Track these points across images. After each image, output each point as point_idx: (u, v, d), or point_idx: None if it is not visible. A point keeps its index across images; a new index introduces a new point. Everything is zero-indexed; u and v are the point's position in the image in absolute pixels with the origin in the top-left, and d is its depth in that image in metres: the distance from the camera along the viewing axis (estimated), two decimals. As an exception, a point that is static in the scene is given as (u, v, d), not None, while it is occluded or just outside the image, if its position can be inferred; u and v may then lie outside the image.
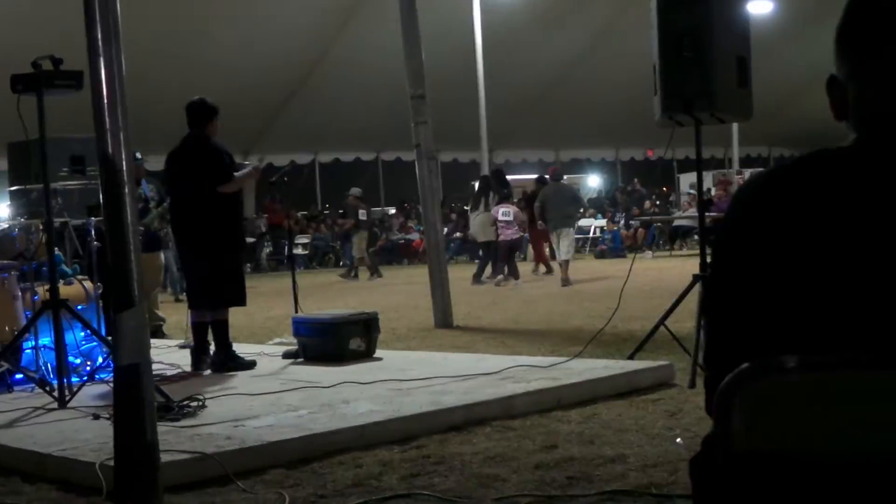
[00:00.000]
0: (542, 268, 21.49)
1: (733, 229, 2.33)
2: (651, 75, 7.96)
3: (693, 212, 24.19)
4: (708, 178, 31.84)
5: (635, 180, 37.29)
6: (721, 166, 38.34)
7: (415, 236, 30.82)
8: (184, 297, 14.95)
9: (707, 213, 8.89)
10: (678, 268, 17.32)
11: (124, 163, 3.99)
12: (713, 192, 27.76)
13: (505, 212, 19.62)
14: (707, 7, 7.72)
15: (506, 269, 19.50)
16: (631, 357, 8.06)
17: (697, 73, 7.67)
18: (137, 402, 3.90)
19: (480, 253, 21.60)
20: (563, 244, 18.64)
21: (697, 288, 7.70)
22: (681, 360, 7.58)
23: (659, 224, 29.39)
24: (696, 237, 23.03)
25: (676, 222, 28.25)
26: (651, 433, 5.74)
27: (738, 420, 2.09)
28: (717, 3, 7.77)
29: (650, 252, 26.72)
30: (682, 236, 28.13)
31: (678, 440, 5.51)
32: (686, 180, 35.72)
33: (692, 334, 7.58)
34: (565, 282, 17.90)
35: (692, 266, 8.41)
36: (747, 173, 33.71)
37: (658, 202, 35.90)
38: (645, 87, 8.25)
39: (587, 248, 30.40)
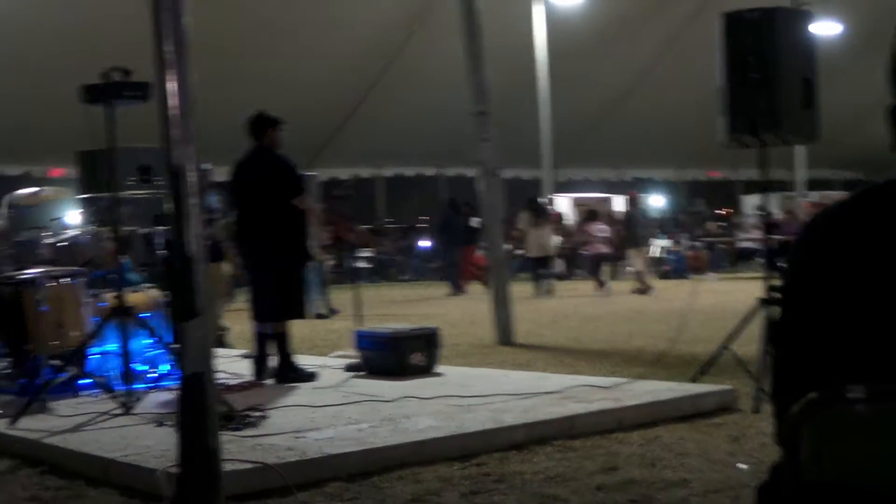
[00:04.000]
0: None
1: (805, 259, 2.31)
2: (715, 94, 7.91)
3: (758, 233, 23.97)
4: (773, 200, 31.56)
5: (699, 201, 37.01)
6: (786, 189, 37.98)
7: (477, 253, 30.77)
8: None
9: (772, 236, 8.79)
10: (742, 290, 17.11)
11: (191, 173, 4.04)
12: (779, 214, 27.52)
13: (601, 228, 22.69)
14: (773, 28, 7.68)
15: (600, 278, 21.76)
16: (694, 380, 7.99)
17: (763, 95, 7.62)
18: (201, 410, 3.94)
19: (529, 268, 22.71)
20: (642, 258, 21.51)
21: (761, 311, 7.63)
22: (745, 384, 7.50)
23: (723, 246, 29.13)
24: (760, 260, 22.82)
25: (741, 244, 27.97)
26: (713, 458, 5.69)
27: (806, 449, 2.07)
28: (783, 24, 7.73)
29: (714, 274, 26.48)
30: (746, 258, 27.86)
31: (741, 465, 5.46)
32: (749, 202, 35.40)
33: (756, 358, 7.50)
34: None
35: (756, 288, 8.33)
36: (812, 196, 33.38)
37: (722, 224, 35.61)
38: (709, 105, 8.21)
39: (650, 269, 30.19)
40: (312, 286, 17.06)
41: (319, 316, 16.61)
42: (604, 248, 22.43)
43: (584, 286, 22.73)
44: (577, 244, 25.51)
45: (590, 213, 24.68)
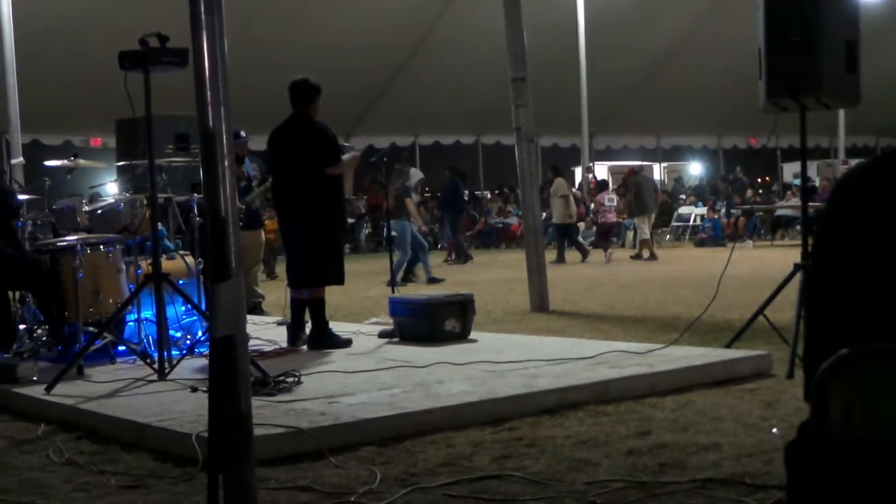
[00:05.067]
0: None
1: (835, 220, 2.29)
2: (756, 60, 7.82)
3: (796, 201, 23.83)
4: (812, 168, 31.29)
5: (738, 168, 36.79)
6: (826, 156, 37.66)
7: (513, 220, 30.79)
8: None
9: (811, 203, 8.71)
10: (779, 257, 17.04)
11: (224, 136, 4.03)
12: (818, 182, 27.29)
13: (609, 198, 23.33)
14: (816, -10, 7.56)
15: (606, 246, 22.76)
16: (728, 346, 7.95)
17: (804, 58, 7.51)
18: (232, 373, 3.94)
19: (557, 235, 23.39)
20: (647, 225, 22.67)
21: (798, 277, 7.57)
22: (779, 350, 7.46)
23: (761, 213, 28.96)
24: (798, 227, 22.67)
25: (779, 212, 27.81)
26: (746, 423, 5.66)
27: (835, 407, 2.05)
28: (826, -14, 7.61)
29: (751, 241, 26.34)
30: (784, 226, 27.68)
31: (774, 430, 5.43)
32: (790, 169, 35.16)
33: (791, 324, 7.45)
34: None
35: (793, 256, 8.26)
36: (853, 163, 33.06)
37: (760, 191, 35.37)
38: (750, 73, 8.12)
39: (687, 236, 30.08)
40: (420, 251, 17.39)
41: (432, 280, 16.98)
42: (612, 217, 23.38)
43: (618, 253, 22.90)
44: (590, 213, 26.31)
45: (600, 183, 25.37)
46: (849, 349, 2.04)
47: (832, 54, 7.56)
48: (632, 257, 22.47)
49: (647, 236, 22.79)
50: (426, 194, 32.15)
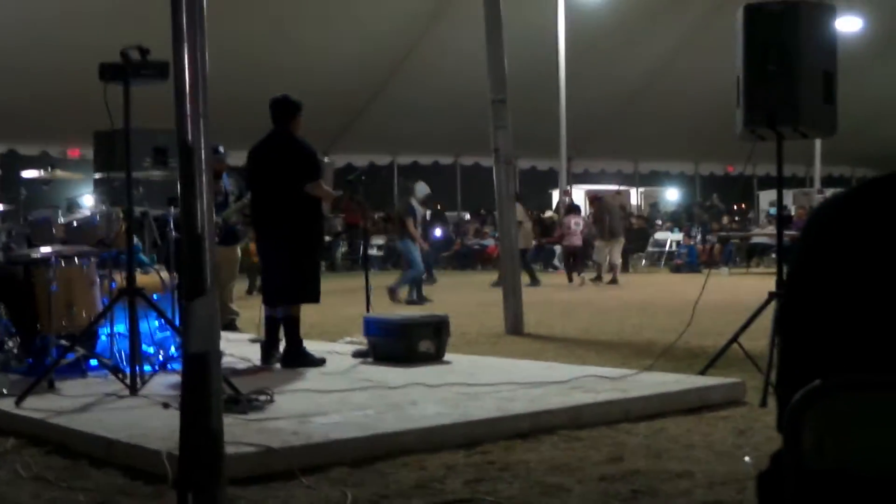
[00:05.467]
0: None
1: (809, 248, 2.29)
2: (734, 88, 7.86)
3: (772, 229, 23.95)
4: (788, 196, 31.45)
5: (714, 195, 36.94)
6: (802, 185, 37.86)
7: (490, 242, 30.81)
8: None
9: (786, 231, 8.74)
10: (754, 285, 17.07)
11: (203, 151, 4.02)
12: (793, 210, 27.42)
13: (576, 222, 23.63)
14: (794, 20, 7.62)
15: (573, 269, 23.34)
16: (702, 372, 7.96)
17: (782, 87, 7.56)
18: (204, 390, 3.92)
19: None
20: (618, 251, 23.18)
21: (773, 306, 7.60)
22: (753, 378, 7.48)
23: (736, 241, 29.07)
24: (773, 255, 22.76)
25: (754, 239, 27.91)
26: (719, 450, 5.67)
27: (808, 437, 2.05)
28: (804, 16, 7.66)
29: (726, 268, 26.42)
30: (759, 254, 27.79)
31: (747, 458, 5.43)
32: (766, 197, 35.33)
33: (765, 352, 7.47)
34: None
35: (768, 284, 8.29)
36: (829, 192, 33.26)
37: (736, 218, 35.52)
38: (728, 101, 8.16)
39: (662, 262, 30.17)
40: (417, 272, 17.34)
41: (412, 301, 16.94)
42: (578, 241, 23.63)
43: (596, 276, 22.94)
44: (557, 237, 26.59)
45: (568, 207, 25.65)
46: (822, 380, 2.04)
47: (810, 84, 7.62)
48: (591, 279, 22.75)
49: (618, 262, 23.29)
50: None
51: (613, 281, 22.54)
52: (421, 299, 17.34)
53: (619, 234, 23.35)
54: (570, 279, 22.77)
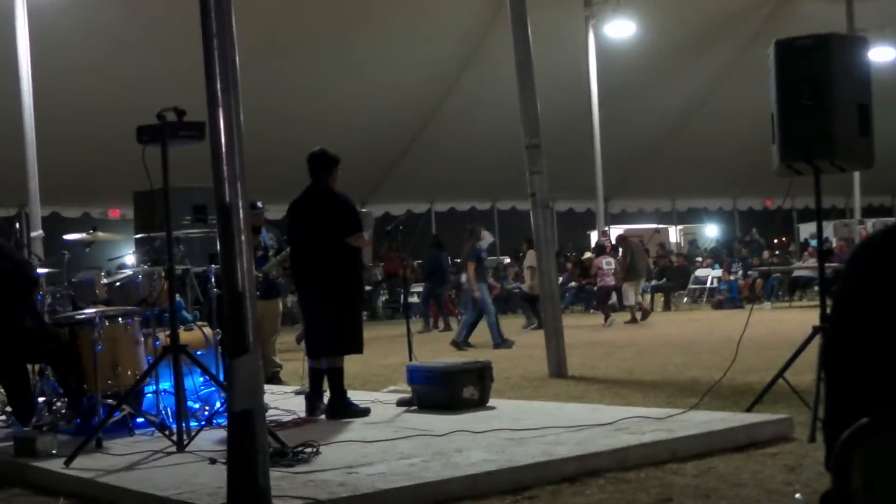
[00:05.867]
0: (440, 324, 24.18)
1: (854, 284, 2.28)
2: (769, 123, 7.85)
3: (813, 262, 23.81)
4: (829, 228, 31.23)
5: (753, 230, 36.74)
6: (842, 216, 37.61)
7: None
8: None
9: (827, 264, 8.68)
10: (797, 319, 16.96)
11: (241, 210, 4.06)
12: (834, 242, 27.22)
13: (608, 262, 23.58)
14: (827, 54, 7.60)
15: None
16: (749, 409, 7.89)
17: (817, 121, 7.54)
18: (250, 447, 3.94)
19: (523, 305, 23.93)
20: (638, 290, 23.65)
21: (817, 340, 7.53)
22: (800, 413, 7.40)
23: (778, 275, 28.87)
24: (816, 288, 22.57)
25: (796, 273, 27.70)
26: (769, 488, 5.61)
27: (857, 477, 2.03)
28: (837, 50, 7.65)
29: (769, 303, 26.23)
30: (801, 287, 27.57)
31: (797, 496, 5.38)
32: (806, 230, 35.10)
33: (812, 387, 7.40)
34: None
35: (812, 317, 8.23)
36: (869, 223, 33.00)
37: (777, 252, 35.31)
38: (764, 135, 8.15)
39: (704, 299, 29.98)
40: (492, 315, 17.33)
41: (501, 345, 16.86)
42: (610, 281, 23.63)
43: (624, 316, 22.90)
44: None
45: (598, 247, 25.86)
46: (869, 418, 2.02)
47: (844, 117, 7.59)
48: (625, 322, 22.72)
49: (641, 300, 23.83)
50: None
51: (644, 317, 22.94)
52: (466, 344, 17.31)
53: (641, 275, 23.87)
54: (606, 319, 22.73)
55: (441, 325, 23.97)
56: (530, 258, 23.11)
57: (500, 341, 17.05)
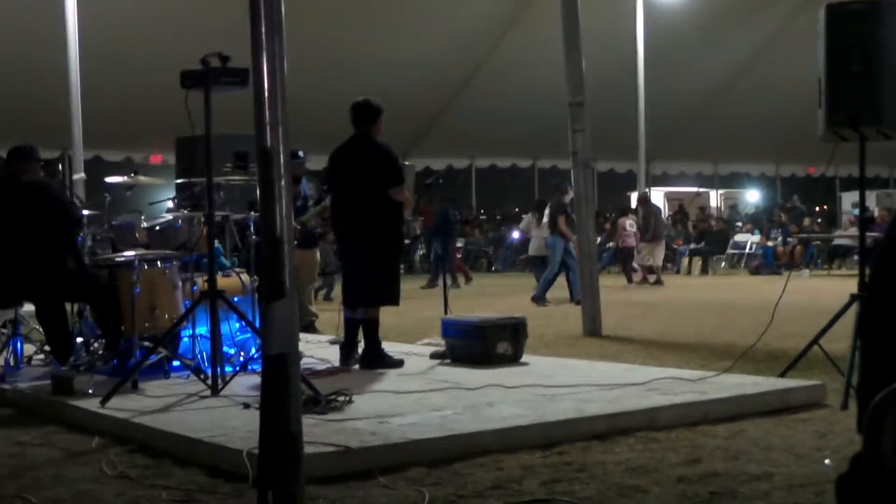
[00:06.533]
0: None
1: (892, 251, 2.27)
2: (816, 89, 7.77)
3: (854, 231, 23.63)
4: (871, 198, 30.95)
5: (795, 197, 36.49)
6: (886, 186, 37.27)
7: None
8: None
9: (869, 233, 8.61)
10: (836, 287, 16.86)
11: (281, 156, 4.08)
12: (876, 212, 27.00)
13: (631, 223, 24.23)
14: (878, 19, 7.50)
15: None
16: (782, 375, 7.87)
17: (865, 87, 7.45)
18: (283, 391, 3.97)
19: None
20: (660, 254, 23.96)
21: (854, 307, 7.49)
22: (834, 380, 7.38)
23: (818, 242, 28.69)
24: (856, 257, 22.44)
25: (836, 241, 27.53)
26: (799, 453, 5.61)
27: (888, 439, 2.03)
28: (888, 15, 7.54)
29: (807, 270, 26.09)
30: (841, 256, 27.39)
31: (827, 461, 5.37)
32: (848, 199, 34.81)
33: (847, 355, 7.37)
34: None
35: (850, 286, 8.18)
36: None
37: (819, 220, 35.06)
38: (810, 101, 8.06)
39: (742, 264, 29.85)
40: (570, 271, 17.34)
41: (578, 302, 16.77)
42: (632, 242, 24.01)
43: (672, 279, 22.95)
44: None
45: (623, 209, 26.09)
46: (902, 382, 2.02)
47: (893, 85, 7.50)
48: (651, 283, 23.13)
49: (659, 263, 23.97)
50: (481, 216, 32.10)
51: (658, 282, 23.07)
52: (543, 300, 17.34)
53: (660, 238, 23.99)
54: (629, 280, 23.27)
55: (450, 281, 23.71)
56: (524, 223, 23.98)
57: (541, 298, 17.07)
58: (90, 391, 7.33)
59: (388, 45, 26.67)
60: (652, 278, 23.34)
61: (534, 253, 23.19)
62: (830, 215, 38.10)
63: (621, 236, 24.37)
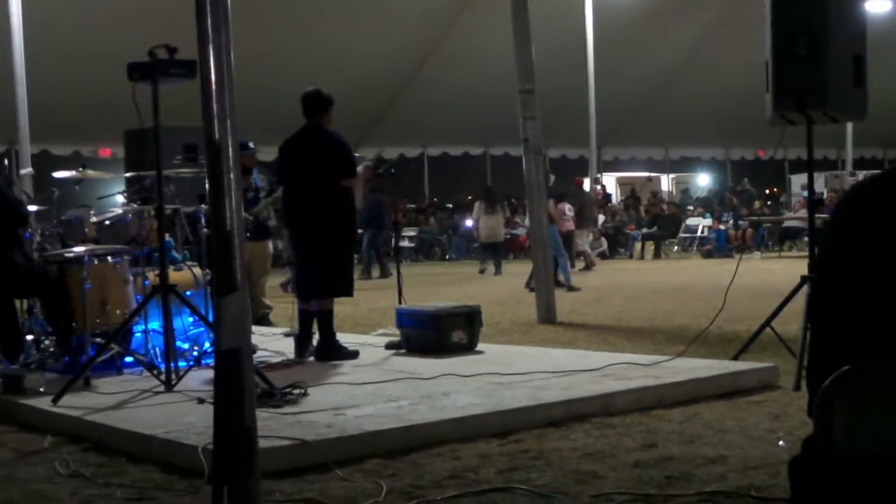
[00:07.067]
0: None
1: (840, 233, 2.29)
2: (763, 73, 7.82)
3: (804, 213, 23.87)
4: (820, 180, 31.25)
5: (745, 180, 36.77)
6: (834, 168, 37.62)
7: (521, 231, 30.79)
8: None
9: (818, 215, 8.70)
10: (787, 269, 17.03)
11: (230, 148, 4.04)
12: (825, 193, 27.26)
13: (569, 207, 23.72)
14: (823, 4, 7.56)
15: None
16: (735, 358, 7.94)
17: (811, 71, 7.52)
18: (237, 386, 3.94)
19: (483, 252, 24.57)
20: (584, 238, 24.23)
21: (805, 289, 7.56)
22: (786, 362, 7.45)
23: (768, 225, 28.94)
24: (806, 239, 22.67)
25: (786, 223, 27.79)
26: (753, 435, 5.66)
27: (838, 423, 2.05)
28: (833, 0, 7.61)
29: (759, 253, 26.32)
30: (791, 238, 27.66)
31: (780, 443, 5.42)
32: (798, 181, 35.13)
33: (798, 336, 7.44)
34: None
35: (801, 267, 8.26)
36: (861, 175, 33.00)
37: (768, 203, 35.35)
38: (757, 85, 8.12)
39: (694, 248, 30.07)
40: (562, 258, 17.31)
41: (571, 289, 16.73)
42: (571, 226, 23.74)
43: (625, 264, 22.99)
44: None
45: (560, 195, 26.04)
46: (851, 365, 2.04)
47: (839, 68, 7.57)
48: (580, 270, 23.06)
49: (587, 249, 24.30)
50: (434, 204, 32.06)
51: (587, 268, 23.21)
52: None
53: (588, 224, 24.38)
54: (572, 265, 23.21)
55: (377, 273, 23.41)
56: (475, 210, 24.12)
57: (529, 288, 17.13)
58: (41, 389, 7.24)
59: (339, 33, 26.59)
60: (583, 263, 23.48)
61: (485, 240, 23.44)
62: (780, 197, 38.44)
63: (561, 221, 24.40)
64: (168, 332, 7.37)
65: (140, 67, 7.31)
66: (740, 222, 30.12)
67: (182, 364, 7.68)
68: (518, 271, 21.34)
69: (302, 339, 8.97)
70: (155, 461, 5.51)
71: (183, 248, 9.91)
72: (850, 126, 31.81)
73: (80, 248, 8.53)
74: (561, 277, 16.98)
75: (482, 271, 23.61)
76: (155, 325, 8.13)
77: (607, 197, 33.93)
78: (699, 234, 30.40)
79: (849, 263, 2.26)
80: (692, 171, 42.20)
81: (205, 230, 9.09)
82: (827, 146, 35.61)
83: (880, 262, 2.19)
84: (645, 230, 30.04)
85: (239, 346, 3.96)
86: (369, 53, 27.59)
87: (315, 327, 8.96)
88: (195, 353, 8.33)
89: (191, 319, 8.50)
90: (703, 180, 42.24)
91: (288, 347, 9.13)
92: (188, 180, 9.40)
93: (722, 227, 30.04)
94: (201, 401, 6.57)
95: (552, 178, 19.06)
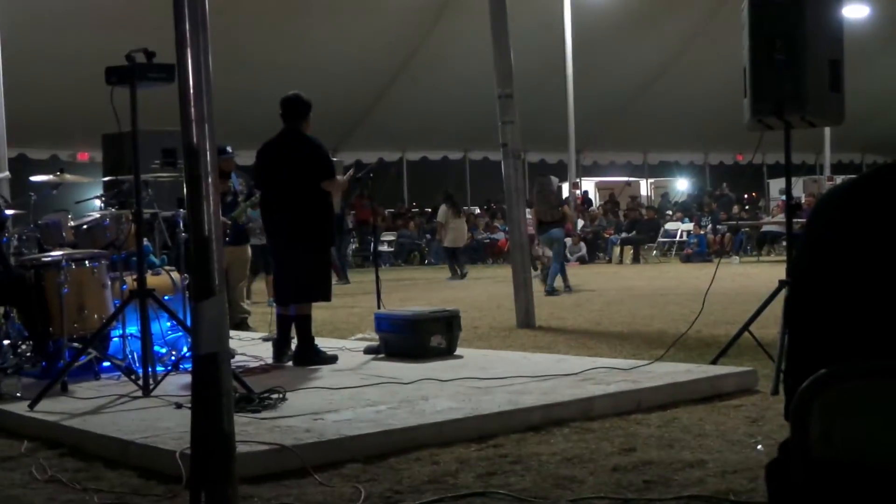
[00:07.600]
0: None
1: (815, 237, 2.29)
2: (742, 78, 7.86)
3: (782, 217, 23.96)
4: (798, 184, 31.37)
5: (724, 184, 36.90)
6: (812, 172, 37.77)
7: (500, 236, 30.83)
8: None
9: (796, 220, 8.74)
10: (765, 273, 17.08)
11: (208, 153, 4.03)
12: (803, 198, 27.38)
13: (528, 210, 23.85)
14: (800, 9, 7.60)
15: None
16: (714, 362, 7.96)
17: (789, 76, 7.56)
18: (215, 391, 3.94)
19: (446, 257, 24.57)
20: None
21: (783, 293, 7.59)
22: (765, 366, 7.48)
23: (747, 229, 29.04)
24: (784, 243, 22.74)
25: (765, 228, 27.89)
26: (732, 439, 5.67)
27: (815, 426, 2.05)
28: (810, 5, 7.65)
29: (737, 257, 26.40)
30: (770, 242, 27.75)
31: (759, 447, 5.44)
32: (776, 186, 35.29)
33: (777, 340, 7.47)
34: None
35: (779, 272, 8.30)
36: (839, 180, 33.16)
37: (747, 207, 35.49)
38: (736, 90, 8.16)
39: (673, 252, 30.14)
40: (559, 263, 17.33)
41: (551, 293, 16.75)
42: (530, 230, 23.56)
43: (604, 269, 22.96)
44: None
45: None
46: (828, 369, 2.04)
47: (816, 73, 7.61)
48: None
49: (540, 252, 23.59)
50: (413, 209, 32.03)
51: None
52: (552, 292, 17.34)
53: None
54: (534, 268, 23.27)
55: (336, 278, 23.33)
56: (442, 214, 24.03)
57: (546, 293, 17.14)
58: (18, 394, 7.20)
59: (317, 38, 26.56)
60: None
61: (449, 244, 23.48)
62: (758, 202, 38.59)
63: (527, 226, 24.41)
64: (146, 336, 7.34)
65: (118, 71, 7.28)
66: (719, 227, 30.22)
67: (160, 369, 7.66)
68: (497, 275, 21.37)
69: (280, 344, 8.95)
70: (132, 466, 5.48)
71: (161, 252, 9.88)
72: (827, 131, 31.94)
73: (57, 253, 8.49)
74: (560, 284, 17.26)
75: (462, 277, 23.47)
76: (133, 329, 8.09)
77: (587, 202, 34.02)
78: (678, 238, 30.47)
79: (824, 268, 2.27)
80: (671, 176, 42.32)
81: (183, 234, 9.06)
82: (805, 151, 35.74)
83: (855, 266, 2.20)
84: (624, 235, 30.11)
85: (217, 350, 3.96)
86: (348, 58, 27.55)
87: (293, 332, 8.94)
88: (173, 358, 8.31)
89: (168, 324, 8.46)
90: (682, 185, 42.37)
91: (266, 352, 9.10)
92: (166, 184, 9.38)
93: (700, 231, 30.13)
94: (179, 406, 6.55)
95: (556, 180, 19.06)
